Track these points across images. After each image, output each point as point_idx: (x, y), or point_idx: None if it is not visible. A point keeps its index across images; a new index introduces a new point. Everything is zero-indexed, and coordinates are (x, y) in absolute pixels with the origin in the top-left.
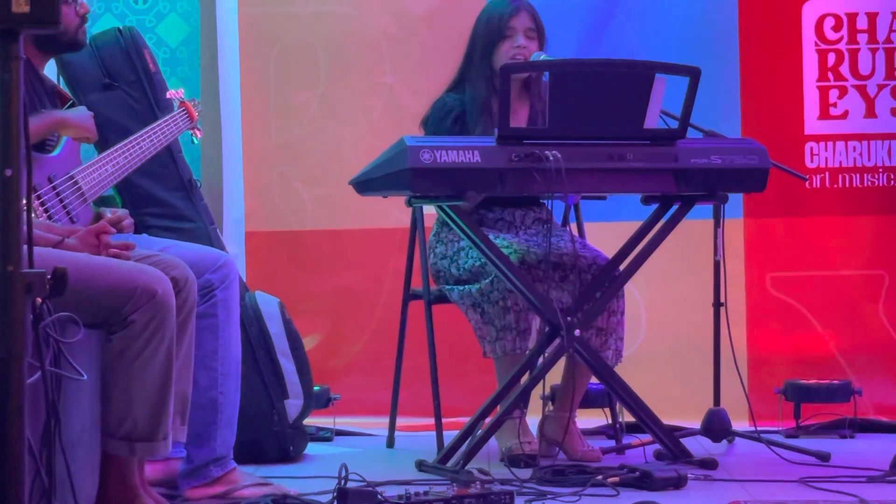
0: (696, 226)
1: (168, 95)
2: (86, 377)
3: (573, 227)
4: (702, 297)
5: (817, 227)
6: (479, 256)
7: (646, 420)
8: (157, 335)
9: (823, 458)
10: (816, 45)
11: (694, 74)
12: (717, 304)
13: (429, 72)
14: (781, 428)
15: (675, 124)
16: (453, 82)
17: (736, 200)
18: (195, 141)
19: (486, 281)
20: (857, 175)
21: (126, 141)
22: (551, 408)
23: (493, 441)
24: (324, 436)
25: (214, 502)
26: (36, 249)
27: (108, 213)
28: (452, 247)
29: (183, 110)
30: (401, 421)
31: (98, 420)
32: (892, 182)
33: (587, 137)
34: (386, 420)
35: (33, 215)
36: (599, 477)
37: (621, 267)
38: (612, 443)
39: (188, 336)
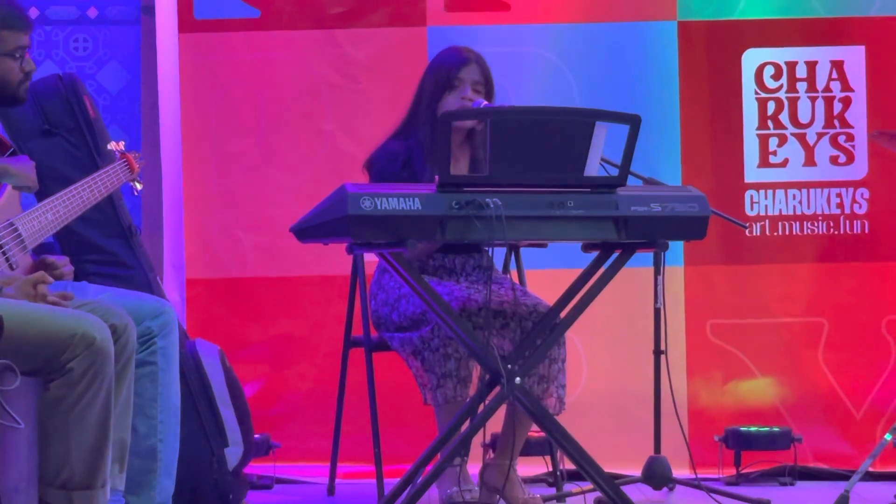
0: (636, 273)
1: (109, 147)
2: (23, 425)
3: (514, 274)
4: (642, 344)
5: (757, 275)
6: (419, 303)
7: (586, 468)
8: (96, 383)
9: None
10: (756, 93)
11: (634, 122)
12: (658, 352)
13: (369, 119)
14: (722, 476)
15: (615, 172)
16: (399, 129)
17: (676, 248)
18: (136, 192)
19: (427, 328)
20: (797, 223)
21: (66, 190)
22: (492, 455)
23: (433, 489)
24: (264, 484)
25: None
26: None
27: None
28: (393, 294)
29: (124, 161)
30: (341, 468)
31: (35, 468)
32: (832, 230)
33: (528, 185)
34: (327, 468)
35: None
36: None
37: (562, 314)
38: (552, 490)
39: (127, 383)
